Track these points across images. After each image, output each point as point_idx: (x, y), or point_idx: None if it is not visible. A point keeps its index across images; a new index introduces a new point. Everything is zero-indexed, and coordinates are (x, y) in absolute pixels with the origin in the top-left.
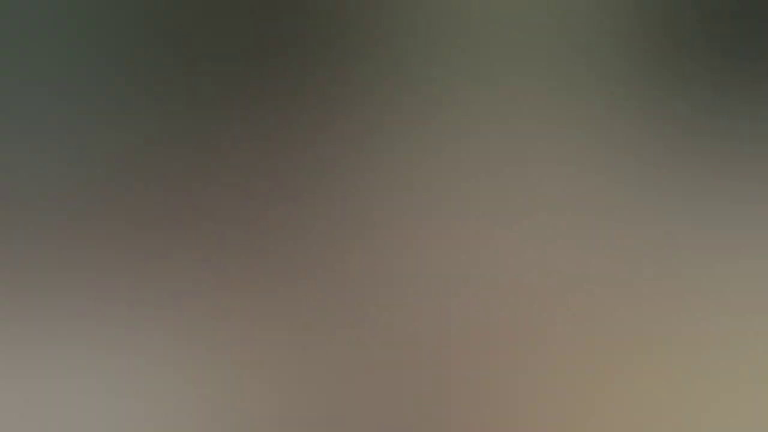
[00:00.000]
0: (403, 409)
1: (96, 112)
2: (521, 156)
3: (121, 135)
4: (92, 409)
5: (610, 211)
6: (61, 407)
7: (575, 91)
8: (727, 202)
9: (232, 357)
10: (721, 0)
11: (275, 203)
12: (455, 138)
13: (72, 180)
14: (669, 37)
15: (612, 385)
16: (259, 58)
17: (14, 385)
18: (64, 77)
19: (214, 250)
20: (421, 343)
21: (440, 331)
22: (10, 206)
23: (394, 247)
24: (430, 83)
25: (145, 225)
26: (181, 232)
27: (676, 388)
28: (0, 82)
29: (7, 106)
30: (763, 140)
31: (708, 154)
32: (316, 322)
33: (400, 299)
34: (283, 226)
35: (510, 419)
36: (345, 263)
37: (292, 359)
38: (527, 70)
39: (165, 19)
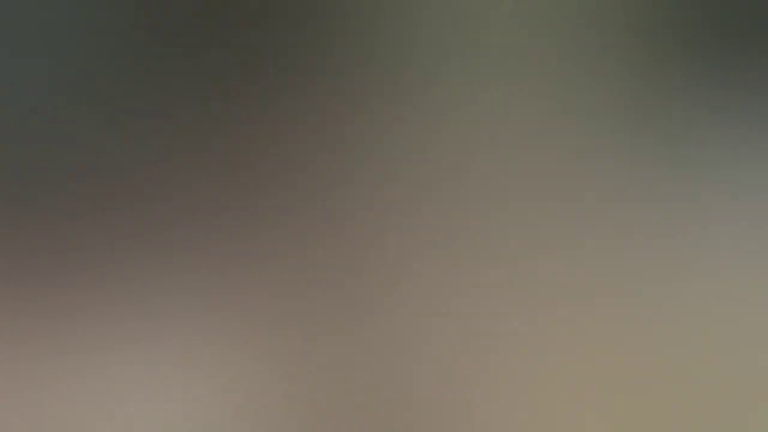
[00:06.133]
0: (403, 409)
1: (98, 112)
2: (522, 155)
3: (123, 136)
4: (91, 408)
5: (610, 210)
6: (60, 408)
7: (576, 91)
8: (728, 202)
9: (231, 357)
10: None
11: (278, 203)
12: (455, 137)
13: (73, 181)
14: (670, 34)
15: (607, 386)
16: (261, 57)
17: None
18: (64, 78)
19: (216, 251)
20: (422, 343)
21: (440, 331)
22: (10, 206)
23: (396, 248)
24: (432, 83)
25: (143, 224)
26: (182, 232)
27: (670, 390)
28: (1, 83)
29: (8, 106)
30: (764, 137)
31: (710, 152)
32: (318, 323)
33: (401, 299)
34: (286, 226)
35: (510, 418)
36: (348, 263)
37: (292, 360)
38: (528, 71)
39: (167, 19)
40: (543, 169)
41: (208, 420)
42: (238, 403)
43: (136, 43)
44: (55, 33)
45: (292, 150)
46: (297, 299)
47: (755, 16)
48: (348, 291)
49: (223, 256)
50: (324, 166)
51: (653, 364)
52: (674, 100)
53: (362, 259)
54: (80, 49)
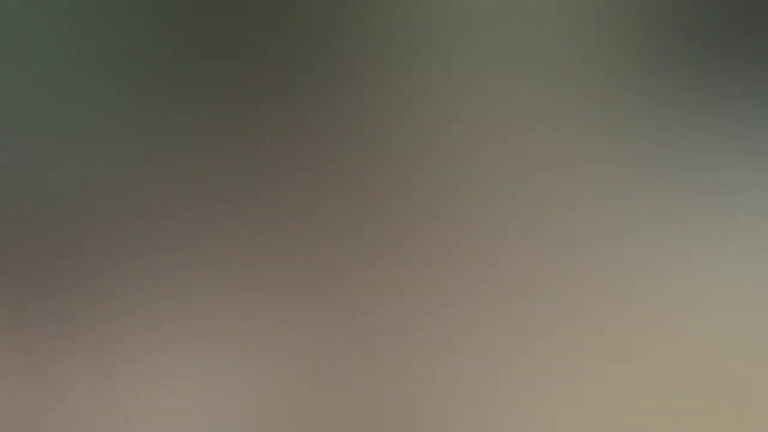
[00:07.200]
0: (402, 409)
1: (99, 113)
2: (522, 155)
3: (122, 137)
4: (93, 410)
5: (610, 208)
6: (62, 407)
7: (578, 89)
8: (729, 201)
9: (233, 359)
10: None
11: (278, 204)
12: (455, 136)
13: (74, 182)
14: (671, 34)
15: (603, 384)
16: (259, 57)
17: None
18: (65, 79)
19: (218, 251)
20: (422, 343)
21: (443, 332)
22: (12, 208)
23: (397, 249)
24: (432, 83)
25: (147, 227)
26: (184, 233)
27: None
28: (2, 85)
29: (10, 108)
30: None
31: (713, 152)
32: (322, 325)
33: (403, 301)
34: (289, 228)
35: (509, 417)
36: (351, 264)
37: (294, 361)
38: (529, 70)
39: (166, 19)
40: (543, 167)
41: (211, 421)
42: (239, 405)
43: (136, 44)
44: (55, 34)
45: (295, 151)
46: (300, 301)
47: (756, 16)
48: (351, 292)
49: (226, 257)
50: (325, 168)
51: (654, 363)
52: (676, 99)
53: (365, 260)
54: (83, 51)
